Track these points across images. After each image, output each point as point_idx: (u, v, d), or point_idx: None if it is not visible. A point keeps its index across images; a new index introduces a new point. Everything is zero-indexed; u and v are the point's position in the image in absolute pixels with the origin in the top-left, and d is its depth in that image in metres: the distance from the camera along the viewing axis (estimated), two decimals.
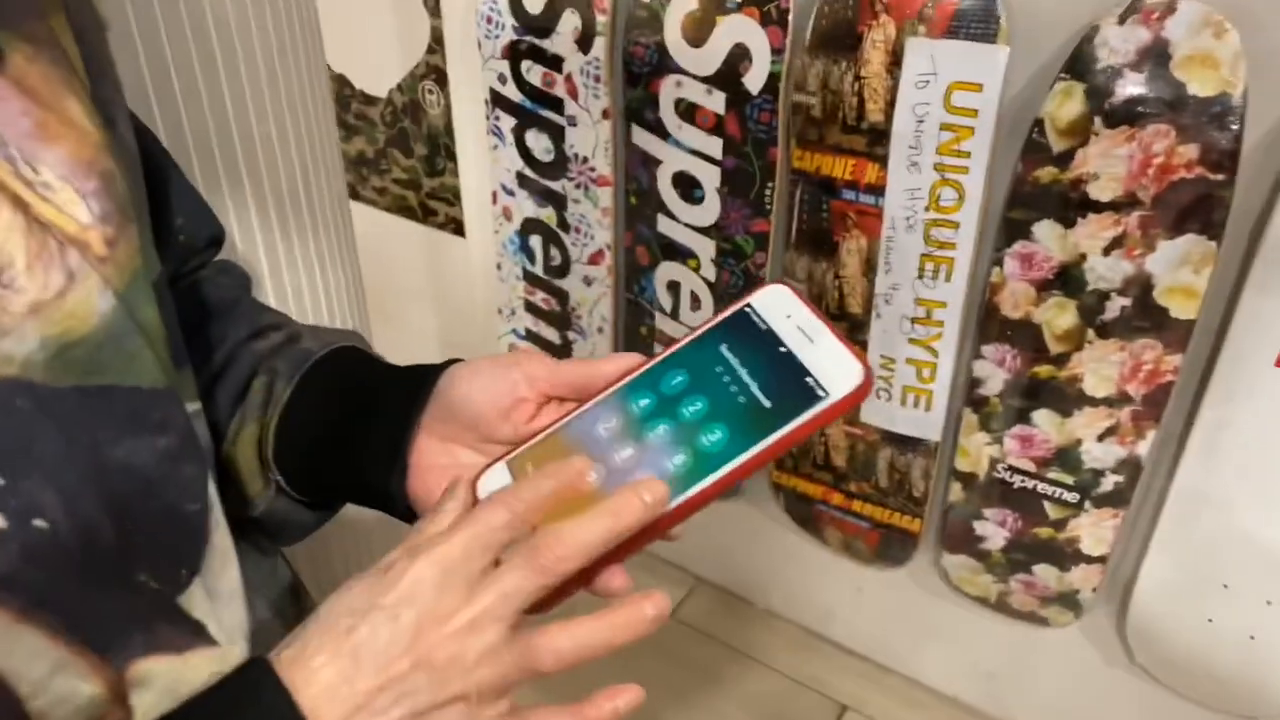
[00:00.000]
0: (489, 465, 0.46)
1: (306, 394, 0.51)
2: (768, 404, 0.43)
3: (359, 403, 0.50)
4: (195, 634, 0.40)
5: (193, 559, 0.40)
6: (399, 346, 1.96)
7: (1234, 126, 0.89)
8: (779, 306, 0.46)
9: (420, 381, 0.49)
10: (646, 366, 0.47)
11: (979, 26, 0.96)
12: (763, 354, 0.45)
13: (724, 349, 0.46)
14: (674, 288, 1.31)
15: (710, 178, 1.19)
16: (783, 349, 0.44)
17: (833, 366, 0.43)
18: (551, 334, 1.50)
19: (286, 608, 0.55)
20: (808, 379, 0.43)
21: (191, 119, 0.59)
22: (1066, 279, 1.02)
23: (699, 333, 0.47)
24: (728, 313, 0.47)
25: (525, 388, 0.47)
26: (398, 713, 0.37)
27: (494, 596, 0.39)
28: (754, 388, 0.44)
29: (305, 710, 0.36)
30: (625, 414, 0.45)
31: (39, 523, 0.34)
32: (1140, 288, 0.99)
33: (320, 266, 0.70)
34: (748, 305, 0.47)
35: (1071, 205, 0.98)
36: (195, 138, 0.59)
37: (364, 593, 0.39)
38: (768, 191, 1.15)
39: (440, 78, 1.51)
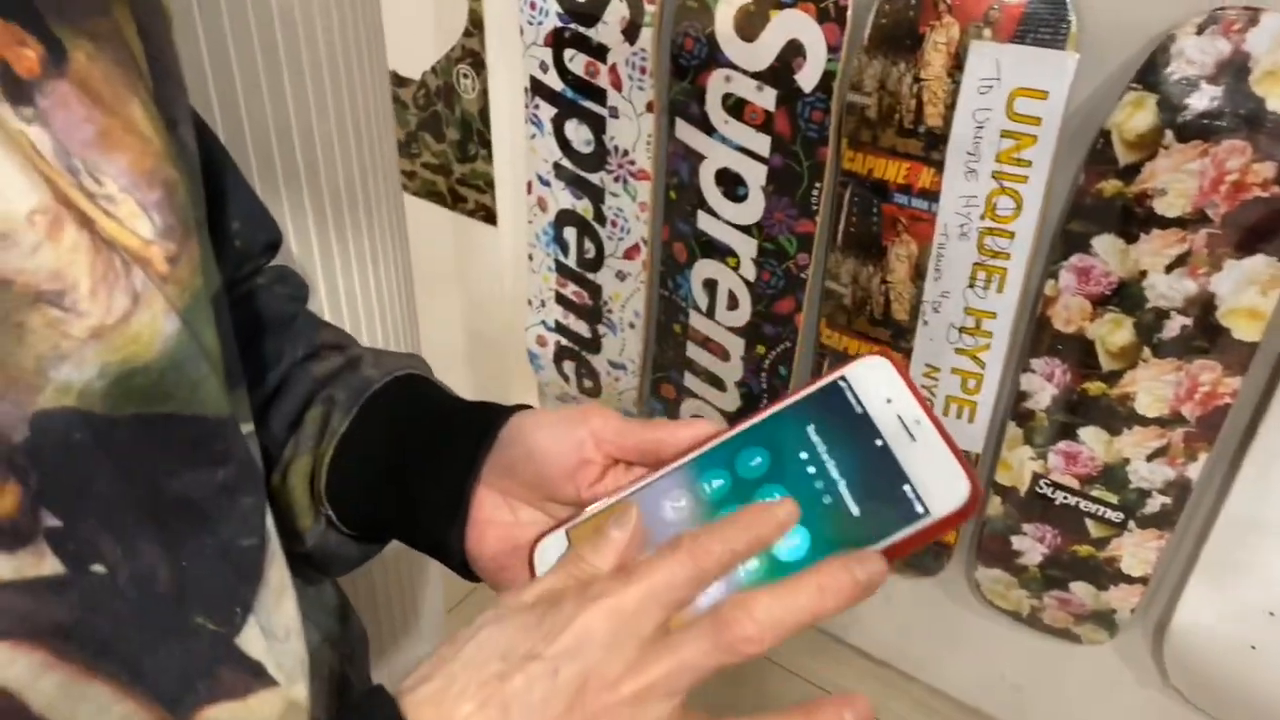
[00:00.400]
0: (548, 532, 0.43)
1: (364, 428, 0.48)
2: (856, 512, 0.37)
3: (419, 444, 0.47)
4: (255, 675, 0.38)
5: (248, 597, 0.38)
6: (424, 332, 1.94)
7: None
8: (879, 386, 0.40)
9: (484, 429, 0.45)
10: (723, 439, 0.42)
11: (1047, 31, 0.92)
12: (856, 446, 0.39)
13: (811, 430, 0.40)
14: (710, 286, 1.28)
15: (756, 175, 1.16)
16: (879, 443, 0.38)
17: (935, 476, 0.37)
18: (581, 327, 1.47)
19: (335, 631, 0.53)
20: (905, 487, 0.37)
21: (252, 116, 0.56)
22: (1125, 295, 0.99)
23: (785, 404, 0.42)
24: (819, 384, 0.42)
25: (591, 448, 0.44)
26: None
27: (668, 668, 0.34)
28: (842, 488, 0.38)
29: None
30: (696, 496, 0.41)
31: (98, 568, 0.32)
32: (1202, 307, 0.96)
33: (374, 267, 0.68)
34: (842, 378, 0.41)
35: (1135, 220, 0.95)
36: (254, 136, 0.56)
37: (522, 633, 0.34)
38: (815, 192, 1.12)
39: (476, 62, 1.48)
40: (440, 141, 1.63)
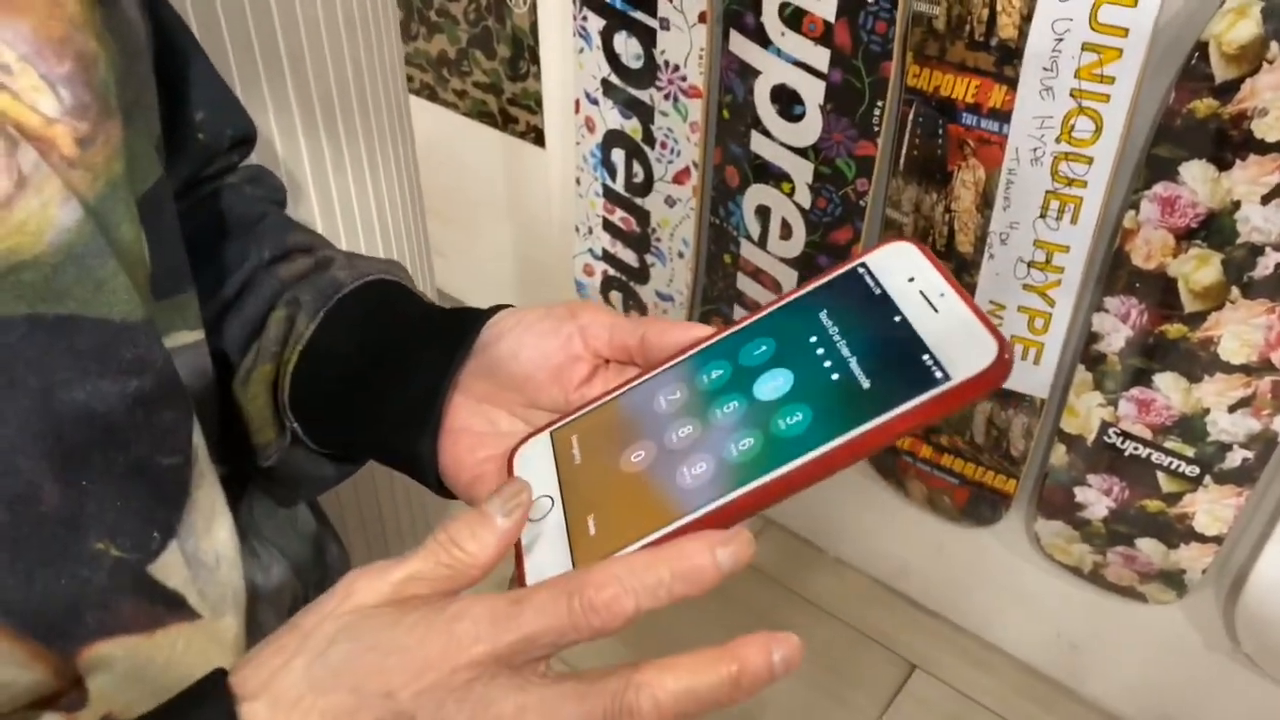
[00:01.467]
0: (530, 436, 0.39)
1: (331, 332, 0.44)
2: (867, 384, 0.34)
3: (390, 349, 0.42)
4: (169, 606, 0.34)
5: (167, 521, 0.34)
6: (471, 258, 1.90)
7: None
8: (901, 268, 0.37)
9: (460, 331, 0.41)
10: (728, 332, 0.39)
11: None
12: (871, 323, 0.36)
13: (824, 315, 0.37)
14: (763, 213, 1.21)
15: (813, 92, 1.08)
16: (898, 318, 0.35)
17: (959, 342, 0.33)
18: (629, 256, 1.42)
19: (305, 558, 0.49)
20: (924, 356, 0.34)
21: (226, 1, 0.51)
22: (1213, 229, 0.90)
23: (797, 294, 0.38)
24: (835, 272, 0.38)
25: (580, 345, 0.40)
26: None
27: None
28: (854, 364, 0.35)
29: None
30: (692, 386, 0.38)
31: None
32: None
33: (373, 173, 0.63)
34: (861, 264, 0.38)
35: (1230, 144, 0.86)
36: (230, 20, 0.51)
37: (379, 660, 0.29)
38: (877, 111, 1.04)
39: None
40: (491, 59, 1.57)
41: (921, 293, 0.36)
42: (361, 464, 0.48)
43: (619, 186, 1.36)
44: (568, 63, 1.34)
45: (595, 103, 1.31)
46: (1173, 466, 1.04)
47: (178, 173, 0.45)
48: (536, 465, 0.38)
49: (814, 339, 0.37)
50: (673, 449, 0.36)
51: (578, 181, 1.41)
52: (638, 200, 1.35)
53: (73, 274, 0.30)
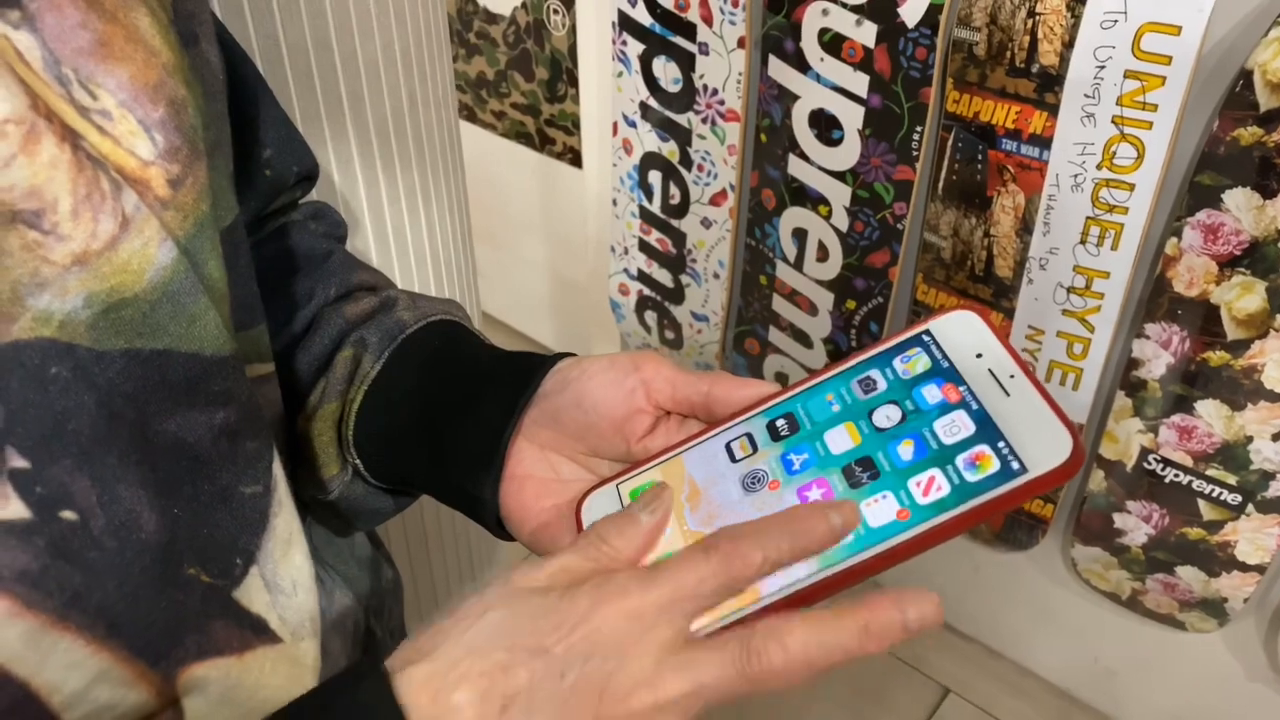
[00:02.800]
0: (596, 487, 0.40)
1: (395, 373, 0.45)
2: (943, 471, 0.34)
3: (454, 393, 0.43)
4: (255, 631, 0.35)
5: (248, 548, 0.35)
6: (508, 277, 1.92)
7: None
8: (966, 340, 0.37)
9: (525, 377, 0.42)
10: (795, 392, 0.39)
11: None
12: (943, 402, 0.36)
13: (893, 386, 0.37)
14: (800, 235, 1.22)
15: (852, 117, 1.08)
16: (971, 401, 0.35)
17: (1032, 431, 0.33)
18: (664, 276, 1.43)
19: (363, 584, 0.50)
20: (1000, 444, 0.34)
21: (289, 36, 0.52)
22: (1257, 256, 0.89)
23: (863, 358, 0.38)
24: (900, 338, 0.38)
25: (643, 398, 0.40)
26: None
27: (684, 689, 0.30)
28: (927, 445, 0.35)
29: None
30: (761, 448, 0.37)
31: (68, 514, 0.29)
32: None
33: (425, 203, 0.64)
34: (926, 331, 0.38)
35: (1274, 172, 0.85)
36: (292, 58, 0.53)
37: (531, 621, 0.31)
38: (915, 136, 1.05)
39: None
40: (529, 81, 1.59)
41: (991, 371, 0.35)
42: (416, 497, 0.49)
43: (655, 208, 1.37)
44: (606, 86, 1.35)
45: (633, 125, 1.32)
46: (1214, 494, 1.03)
47: (247, 208, 0.46)
48: (605, 514, 0.38)
49: (885, 413, 0.36)
50: (742, 515, 0.36)
51: (614, 202, 1.42)
52: (674, 221, 1.36)
53: (168, 310, 0.31)
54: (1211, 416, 1.00)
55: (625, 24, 1.24)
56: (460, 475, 0.42)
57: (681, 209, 1.33)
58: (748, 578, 0.32)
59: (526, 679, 0.30)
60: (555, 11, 1.47)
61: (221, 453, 0.33)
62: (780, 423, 0.38)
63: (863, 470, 0.35)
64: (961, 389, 0.36)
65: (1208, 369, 0.97)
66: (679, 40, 1.19)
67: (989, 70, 0.97)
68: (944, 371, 0.36)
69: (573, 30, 1.45)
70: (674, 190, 1.33)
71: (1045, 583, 1.31)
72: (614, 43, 1.27)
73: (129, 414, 0.31)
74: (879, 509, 0.34)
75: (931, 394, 0.36)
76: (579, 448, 0.42)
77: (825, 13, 1.04)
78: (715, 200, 1.29)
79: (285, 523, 0.37)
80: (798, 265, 1.24)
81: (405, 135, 0.60)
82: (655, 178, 1.34)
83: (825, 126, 1.11)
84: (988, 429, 0.34)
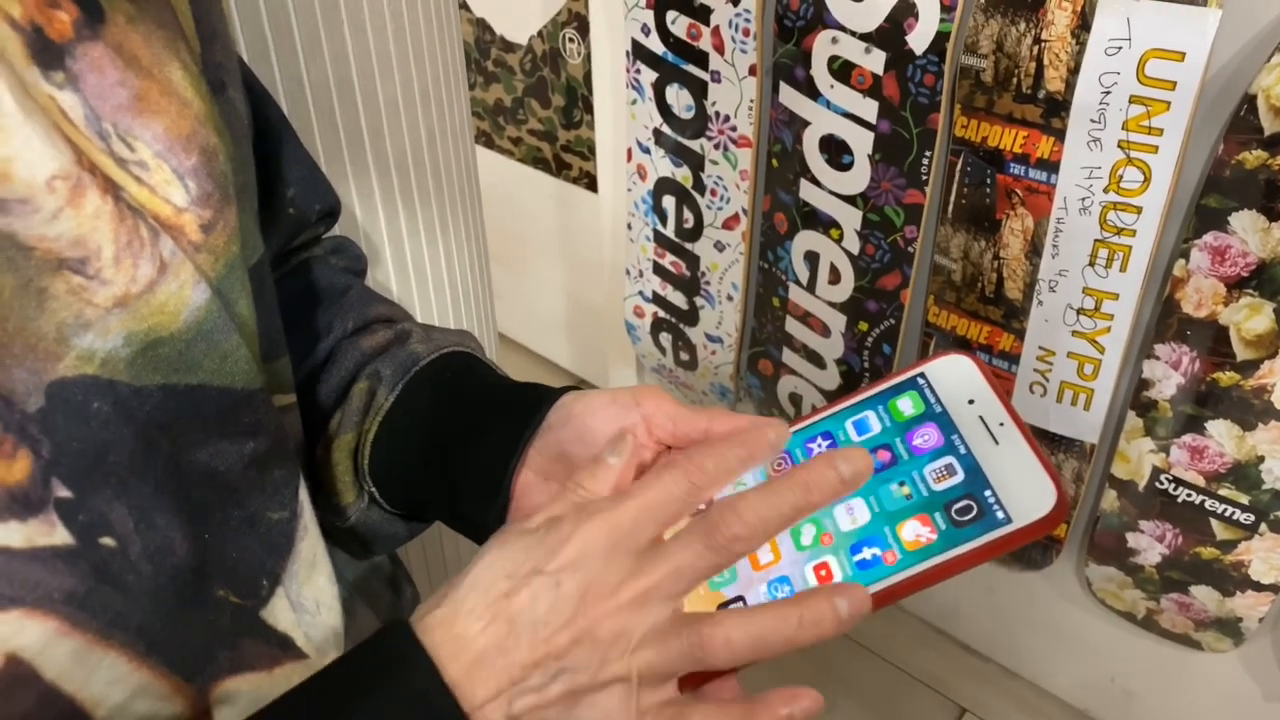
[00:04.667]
0: None
1: (408, 405, 0.47)
2: (931, 517, 0.35)
3: (463, 424, 0.45)
4: (282, 648, 0.37)
5: (276, 570, 0.37)
6: (525, 299, 1.94)
7: None
8: (960, 386, 0.38)
9: (530, 410, 0.44)
10: (793, 430, 0.40)
11: None
12: (934, 448, 0.37)
13: (885, 430, 0.38)
14: (812, 258, 1.23)
15: (862, 143, 1.10)
16: (960, 447, 0.36)
17: (1018, 482, 0.34)
18: (679, 299, 1.44)
19: (386, 607, 0.52)
20: (986, 492, 0.35)
21: (312, 76, 0.54)
22: (1265, 278, 0.90)
23: (857, 399, 0.40)
24: (895, 380, 0.39)
25: (643, 433, 0.42)
26: (555, 690, 0.33)
27: (664, 571, 0.35)
28: (917, 490, 0.36)
29: (453, 682, 0.32)
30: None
31: (107, 540, 0.31)
32: None
33: (443, 234, 0.66)
34: (921, 375, 0.39)
35: None
36: (315, 97, 0.55)
37: (524, 553, 0.35)
38: (925, 160, 1.06)
39: (583, 25, 1.46)
40: (546, 108, 1.62)
41: (981, 419, 0.37)
42: (431, 523, 0.51)
43: (669, 231, 1.39)
44: (620, 113, 1.38)
45: (647, 151, 1.34)
46: (1227, 514, 1.04)
47: (270, 245, 0.48)
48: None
49: (875, 456, 0.37)
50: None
51: (629, 226, 1.44)
52: (688, 245, 1.38)
53: (203, 348, 0.33)
54: (1223, 436, 1.00)
55: (639, 53, 1.26)
56: (468, 505, 0.44)
57: (695, 233, 1.35)
58: (705, 485, 0.36)
59: (528, 596, 0.33)
60: (571, 40, 1.49)
61: (250, 480, 0.35)
62: (776, 461, 0.39)
63: (853, 521, 0.36)
64: (952, 435, 0.37)
65: (1218, 389, 0.98)
66: (691, 68, 1.21)
67: (996, 96, 0.98)
68: (936, 416, 0.38)
69: (588, 58, 1.48)
70: (688, 214, 1.35)
71: (1061, 602, 1.32)
72: (628, 71, 1.29)
73: (164, 445, 0.33)
74: (867, 553, 0.35)
75: (923, 438, 0.37)
76: None
77: (835, 41, 1.06)
78: (728, 224, 1.31)
79: (310, 546, 0.38)
80: (810, 288, 1.25)
81: (424, 169, 0.62)
82: (669, 202, 1.36)
83: (836, 151, 1.13)
84: (976, 477, 0.35)
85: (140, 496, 0.32)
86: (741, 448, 0.37)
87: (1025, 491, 0.34)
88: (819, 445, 0.39)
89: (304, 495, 0.38)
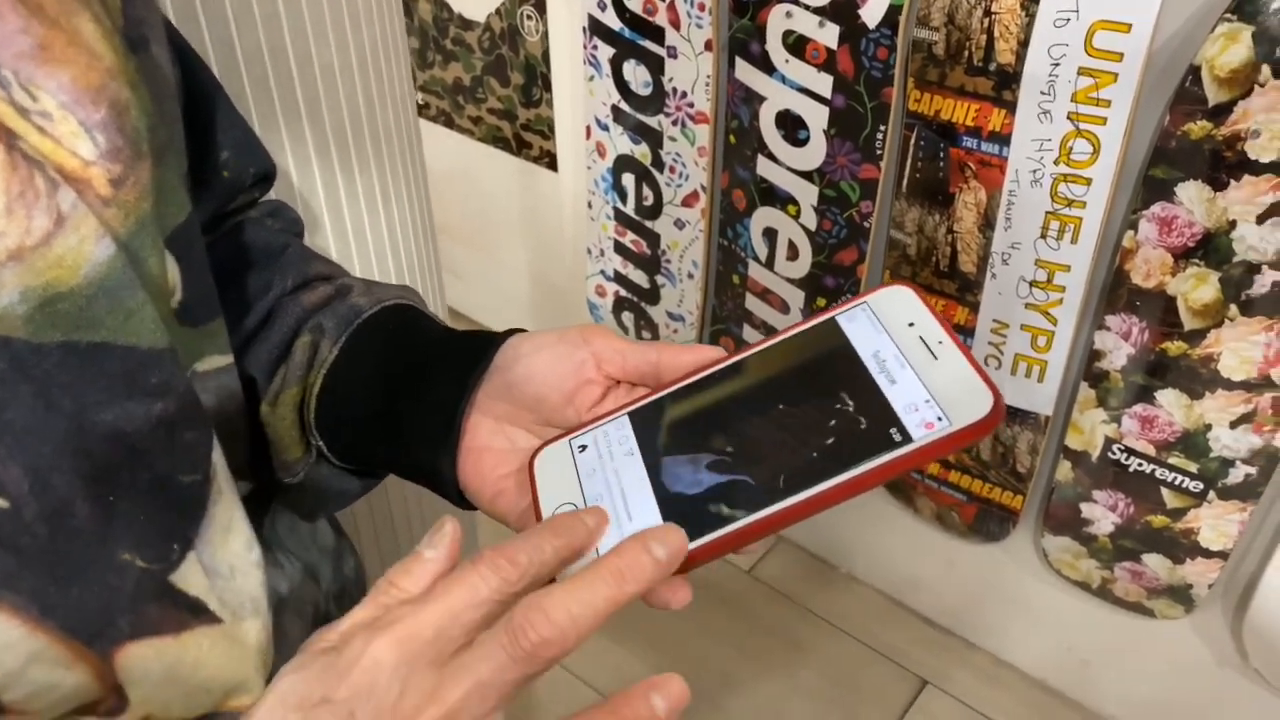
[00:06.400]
0: (549, 443, 0.42)
1: (353, 357, 0.47)
2: (873, 424, 0.36)
3: (409, 372, 0.45)
4: (193, 612, 0.36)
5: (185, 534, 0.36)
6: (487, 280, 1.93)
7: None
8: (902, 312, 0.40)
9: (477, 354, 0.44)
10: (732, 360, 0.41)
11: None
12: (877, 363, 0.38)
13: (832, 350, 0.40)
14: (770, 235, 1.23)
15: (817, 118, 1.10)
16: (901, 362, 0.38)
17: (956, 390, 0.36)
18: (640, 277, 1.44)
19: (324, 569, 0.51)
20: (926, 400, 0.36)
21: (244, 41, 0.54)
22: (1210, 248, 0.91)
23: (806, 325, 0.41)
24: (842, 309, 0.41)
25: (593, 369, 0.42)
26: None
27: (466, 689, 0.31)
28: (860, 402, 0.37)
29: None
30: (694, 415, 0.40)
31: (0, 502, 0.31)
32: None
33: (385, 202, 0.66)
34: (864, 304, 0.41)
35: (1224, 165, 0.87)
36: (248, 62, 0.54)
37: (317, 678, 0.31)
38: (879, 135, 1.07)
39: (540, 2, 1.45)
40: (505, 86, 1.60)
41: (922, 339, 0.38)
42: (382, 478, 0.50)
43: (629, 210, 1.38)
44: (579, 90, 1.37)
45: (606, 129, 1.34)
46: (1176, 482, 1.05)
47: (204, 208, 0.47)
48: (557, 472, 0.41)
49: (822, 374, 0.39)
50: (673, 476, 0.38)
51: (589, 205, 1.44)
52: (648, 223, 1.37)
53: (105, 305, 0.33)
54: (1172, 406, 1.02)
55: (595, 28, 1.26)
56: (419, 451, 0.44)
57: (655, 210, 1.35)
58: (517, 583, 0.33)
59: None
60: (529, 18, 1.48)
61: (159, 442, 0.35)
62: (722, 389, 0.40)
63: (791, 432, 0.37)
64: (894, 354, 0.38)
65: (1167, 359, 0.99)
66: (648, 44, 1.21)
67: (948, 69, 0.99)
68: (879, 338, 0.39)
69: (546, 36, 1.47)
70: (647, 192, 1.35)
71: (1018, 574, 1.33)
72: (585, 47, 1.29)
73: (66, 404, 0.32)
74: (808, 457, 0.36)
75: (865, 357, 0.39)
76: (532, 419, 0.44)
77: (789, 15, 1.06)
78: (687, 201, 1.31)
79: (224, 510, 0.38)
80: (769, 264, 1.26)
81: (364, 136, 0.62)
82: (629, 180, 1.36)
83: (791, 127, 1.13)
84: (917, 388, 0.37)
85: (38, 457, 0.31)
86: (558, 537, 0.35)
87: (964, 397, 0.36)
88: (770, 364, 0.40)
89: (218, 458, 0.38)
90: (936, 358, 0.38)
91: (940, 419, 0.35)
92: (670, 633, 1.43)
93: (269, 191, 0.53)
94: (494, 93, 1.63)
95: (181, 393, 0.35)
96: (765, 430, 0.38)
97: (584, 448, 0.41)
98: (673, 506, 0.37)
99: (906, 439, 0.35)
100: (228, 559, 0.38)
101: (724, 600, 1.51)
